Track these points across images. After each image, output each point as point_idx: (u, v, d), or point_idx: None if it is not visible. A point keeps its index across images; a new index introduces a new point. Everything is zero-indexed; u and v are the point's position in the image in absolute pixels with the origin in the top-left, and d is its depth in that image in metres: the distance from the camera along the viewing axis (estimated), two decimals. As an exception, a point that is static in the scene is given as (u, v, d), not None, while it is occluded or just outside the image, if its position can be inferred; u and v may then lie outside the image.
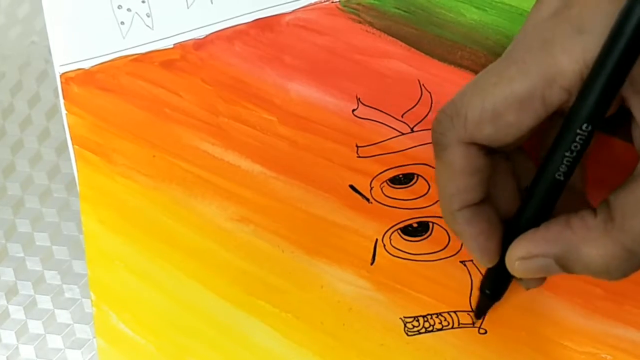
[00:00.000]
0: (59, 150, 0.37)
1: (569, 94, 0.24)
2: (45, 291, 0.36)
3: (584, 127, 0.24)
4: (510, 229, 0.27)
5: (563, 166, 0.25)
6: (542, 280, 0.29)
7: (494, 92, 0.25)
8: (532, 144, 0.29)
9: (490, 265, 0.28)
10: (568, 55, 0.23)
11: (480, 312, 0.31)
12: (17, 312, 0.36)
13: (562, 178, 0.25)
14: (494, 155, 0.27)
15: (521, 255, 0.26)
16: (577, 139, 0.24)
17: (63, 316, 0.36)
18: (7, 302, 0.36)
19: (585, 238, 0.24)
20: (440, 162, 0.27)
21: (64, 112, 0.37)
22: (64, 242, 0.36)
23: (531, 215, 0.26)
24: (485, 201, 0.27)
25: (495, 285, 0.30)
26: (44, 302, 0.36)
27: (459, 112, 0.26)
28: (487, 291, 0.30)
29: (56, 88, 0.37)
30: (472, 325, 0.32)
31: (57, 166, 0.37)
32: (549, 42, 0.24)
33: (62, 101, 0.37)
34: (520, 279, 0.28)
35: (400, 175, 0.33)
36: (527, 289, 0.30)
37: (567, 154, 0.25)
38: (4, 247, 0.37)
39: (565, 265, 0.25)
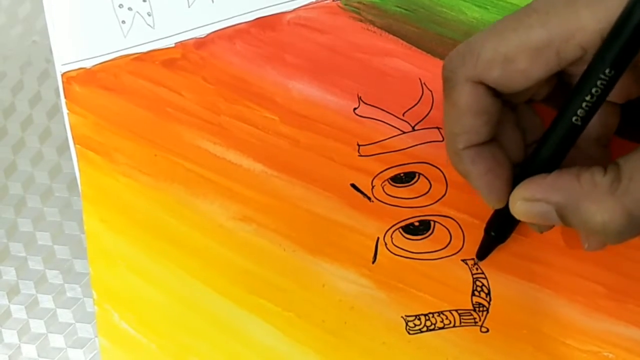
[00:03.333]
0: (60, 150, 0.37)
1: (584, 51, 0.24)
2: (46, 290, 0.36)
3: (606, 72, 0.24)
4: (521, 172, 0.27)
5: (581, 110, 0.25)
6: (551, 226, 0.29)
7: (510, 36, 0.25)
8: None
9: (498, 207, 0.28)
10: (591, 13, 0.24)
11: (482, 253, 0.31)
12: (18, 312, 0.36)
13: (579, 123, 0.25)
14: (502, 102, 0.27)
15: (525, 197, 0.26)
16: (598, 84, 0.24)
17: (65, 315, 0.36)
18: (9, 302, 0.36)
19: (589, 193, 0.24)
20: (448, 100, 0.27)
21: (65, 111, 0.37)
22: (66, 241, 0.36)
23: (544, 159, 0.26)
24: (492, 142, 0.27)
25: (501, 227, 0.30)
26: (46, 301, 0.36)
27: (472, 51, 0.26)
28: (493, 233, 0.30)
29: (57, 87, 0.37)
30: (474, 324, 0.32)
31: (58, 165, 0.37)
32: None
33: (63, 100, 0.37)
34: (533, 223, 0.28)
35: (402, 174, 0.33)
36: (541, 232, 0.30)
37: (587, 98, 0.24)
38: (6, 246, 0.37)
39: (563, 216, 0.25)
